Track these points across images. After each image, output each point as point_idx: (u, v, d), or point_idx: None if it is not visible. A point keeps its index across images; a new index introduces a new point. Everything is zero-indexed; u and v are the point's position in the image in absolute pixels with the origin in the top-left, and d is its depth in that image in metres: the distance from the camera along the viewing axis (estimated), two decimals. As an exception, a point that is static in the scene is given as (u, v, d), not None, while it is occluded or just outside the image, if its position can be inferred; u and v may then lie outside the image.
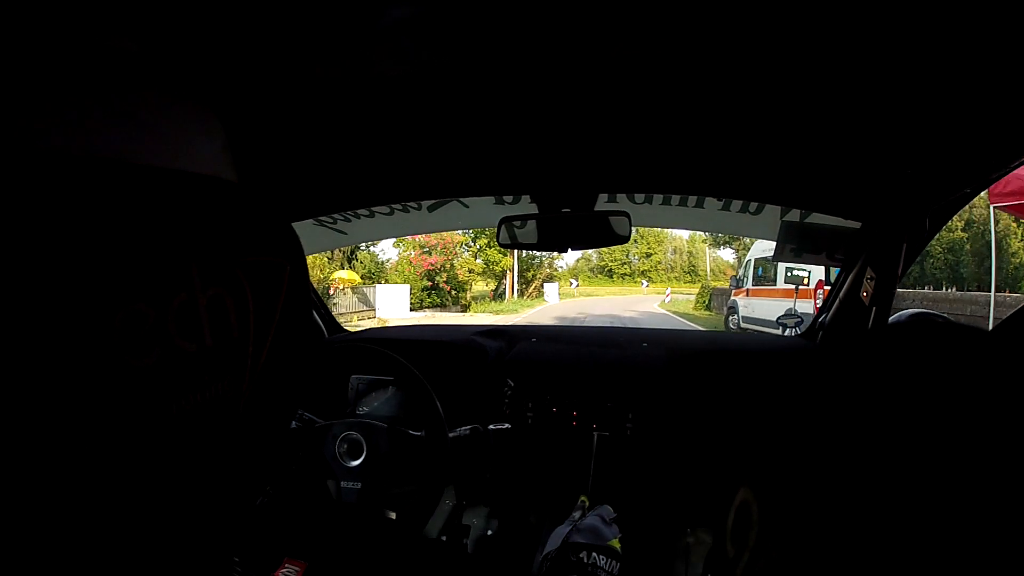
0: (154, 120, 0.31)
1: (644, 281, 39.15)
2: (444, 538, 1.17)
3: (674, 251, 47.12)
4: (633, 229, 1.33)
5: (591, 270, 47.46)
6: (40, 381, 0.25)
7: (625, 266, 46.34)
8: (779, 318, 1.84)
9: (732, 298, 12.59)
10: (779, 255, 1.40)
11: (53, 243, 0.25)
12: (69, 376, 0.25)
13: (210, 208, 0.31)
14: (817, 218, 1.39)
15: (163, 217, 0.28)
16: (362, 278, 20.06)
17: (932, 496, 0.15)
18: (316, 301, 1.61)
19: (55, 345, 0.25)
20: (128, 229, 0.27)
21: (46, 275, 0.25)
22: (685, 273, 46.24)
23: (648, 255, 46.08)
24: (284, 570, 0.82)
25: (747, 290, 11.57)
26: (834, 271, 1.40)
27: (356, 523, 0.99)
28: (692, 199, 1.52)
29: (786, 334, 1.74)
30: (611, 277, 46.02)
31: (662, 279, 44.17)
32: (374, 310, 15.89)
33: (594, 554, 0.77)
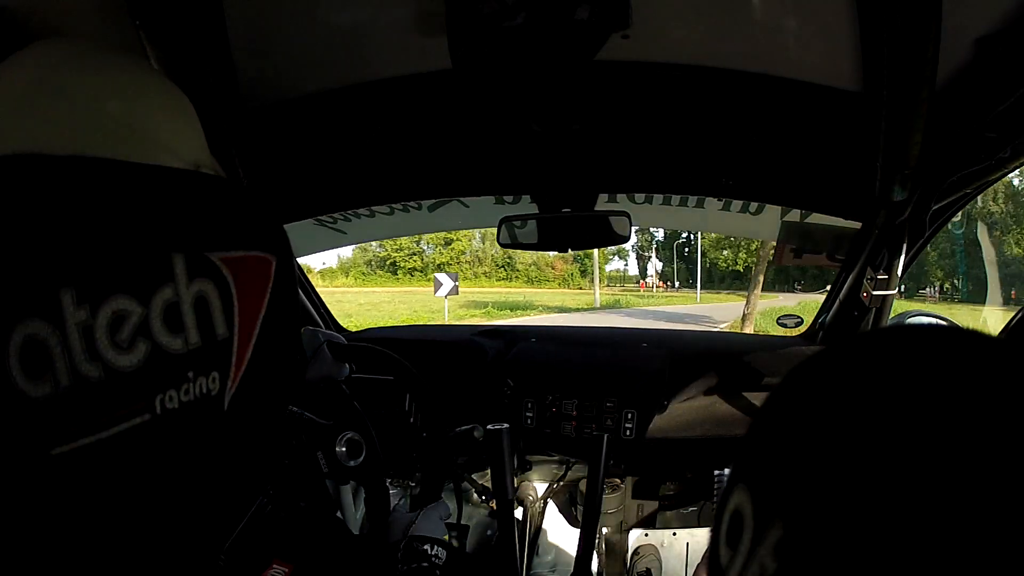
0: (132, 117, 0.31)
1: (601, 286, 23.54)
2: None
3: (482, 237, 30.78)
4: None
5: (368, 263, 32.80)
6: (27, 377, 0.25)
7: (415, 257, 32.00)
8: (779, 318, 1.85)
9: None
10: (779, 255, 1.40)
11: (29, 239, 0.25)
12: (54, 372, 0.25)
13: (191, 202, 0.30)
14: (817, 218, 1.39)
15: (142, 210, 0.28)
16: None
17: (929, 497, 0.15)
18: (316, 300, 1.61)
19: (36, 344, 0.25)
20: (106, 223, 0.27)
21: (20, 271, 0.25)
22: (498, 268, 33.20)
23: (447, 243, 31.61)
24: (272, 571, 0.82)
25: None
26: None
27: (353, 525, 0.99)
28: (692, 199, 1.52)
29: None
30: (395, 273, 31.92)
31: (466, 274, 30.64)
32: None
33: (433, 547, 0.87)
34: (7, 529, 0.25)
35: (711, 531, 0.25)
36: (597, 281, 28.88)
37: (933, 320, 1.37)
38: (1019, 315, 0.98)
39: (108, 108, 0.30)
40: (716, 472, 0.92)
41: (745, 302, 11.74)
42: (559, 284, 33.15)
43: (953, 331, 0.21)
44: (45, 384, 0.25)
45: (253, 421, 0.33)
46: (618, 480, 1.34)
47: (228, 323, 0.31)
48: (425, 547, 0.88)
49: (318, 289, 1.65)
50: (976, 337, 0.21)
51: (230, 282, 0.31)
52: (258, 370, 0.32)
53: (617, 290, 32.25)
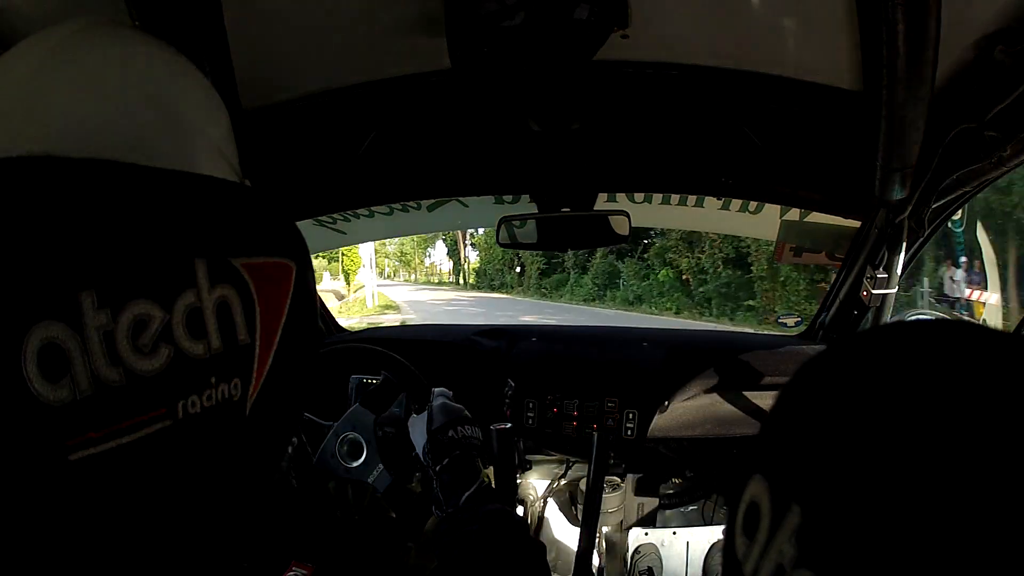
0: (161, 121, 0.31)
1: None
2: None
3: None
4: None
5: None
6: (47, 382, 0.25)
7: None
8: (779, 318, 1.85)
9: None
10: (779, 254, 1.41)
11: (47, 244, 0.25)
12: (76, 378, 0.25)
13: (213, 207, 0.30)
14: (817, 217, 1.39)
15: (163, 215, 0.28)
16: None
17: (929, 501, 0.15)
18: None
19: (54, 348, 0.25)
20: (126, 227, 0.27)
21: (38, 275, 0.24)
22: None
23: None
24: (291, 573, 0.81)
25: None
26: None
27: (360, 523, 0.99)
28: (692, 199, 1.52)
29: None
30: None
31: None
32: None
33: (460, 428, 0.82)
34: (26, 535, 0.25)
35: (726, 524, 0.25)
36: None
37: (935, 318, 1.37)
38: None
39: (128, 108, 0.30)
40: None
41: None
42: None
43: (960, 324, 0.22)
44: (63, 388, 0.24)
45: (272, 427, 0.33)
46: (619, 479, 1.34)
47: (250, 329, 0.31)
48: (451, 433, 0.81)
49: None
50: (982, 330, 0.21)
51: (252, 288, 0.31)
52: (278, 377, 0.32)
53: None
